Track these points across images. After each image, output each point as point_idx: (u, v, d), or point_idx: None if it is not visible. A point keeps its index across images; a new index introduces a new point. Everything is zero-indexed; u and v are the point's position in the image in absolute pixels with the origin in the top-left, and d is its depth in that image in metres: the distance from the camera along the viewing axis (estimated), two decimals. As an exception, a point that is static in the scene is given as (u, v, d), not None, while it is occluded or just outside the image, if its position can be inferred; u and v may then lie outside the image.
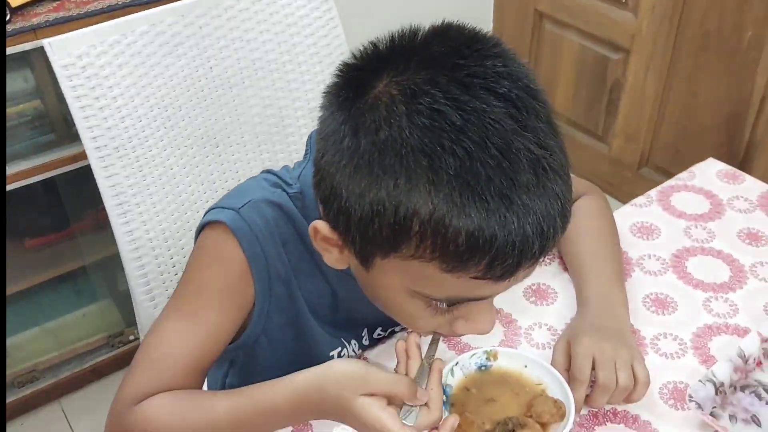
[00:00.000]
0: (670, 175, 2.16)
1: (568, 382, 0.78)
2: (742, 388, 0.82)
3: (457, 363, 0.81)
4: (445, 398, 0.75)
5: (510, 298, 0.94)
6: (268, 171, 0.83)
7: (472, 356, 0.82)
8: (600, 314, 0.86)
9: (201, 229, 0.79)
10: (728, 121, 1.92)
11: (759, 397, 0.81)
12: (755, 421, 0.79)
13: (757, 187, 1.12)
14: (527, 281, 0.96)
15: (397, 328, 0.93)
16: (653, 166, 2.20)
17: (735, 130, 1.92)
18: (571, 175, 1.03)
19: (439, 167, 0.57)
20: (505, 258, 0.59)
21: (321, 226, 0.69)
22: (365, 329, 0.91)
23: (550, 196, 0.60)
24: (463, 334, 0.73)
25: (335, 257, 0.71)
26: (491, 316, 0.71)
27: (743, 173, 1.14)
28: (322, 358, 0.86)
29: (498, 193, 0.58)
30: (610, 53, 2.14)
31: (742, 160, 1.93)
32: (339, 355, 0.88)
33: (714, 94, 1.92)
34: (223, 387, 0.93)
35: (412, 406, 0.69)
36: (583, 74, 2.25)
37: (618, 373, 0.77)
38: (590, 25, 2.15)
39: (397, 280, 0.66)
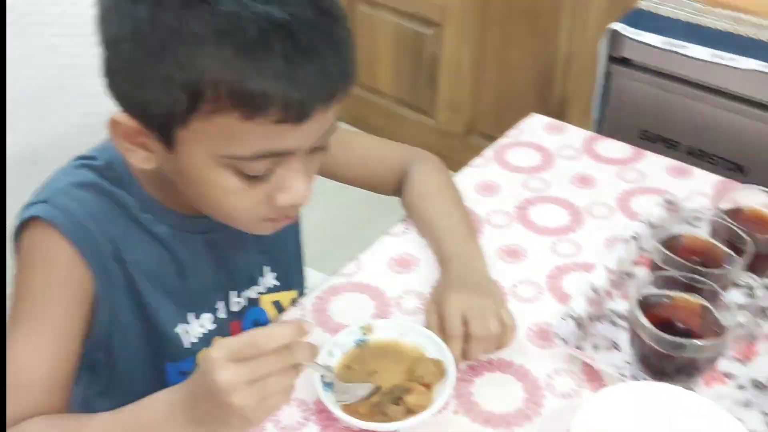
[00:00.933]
0: (493, 140, 2.24)
1: (444, 341, 0.80)
2: (599, 318, 0.88)
3: (334, 343, 0.80)
4: (328, 380, 0.75)
5: (376, 270, 0.95)
6: (76, 157, 0.80)
7: (347, 334, 0.82)
8: (461, 270, 0.88)
9: (18, 233, 0.75)
10: (541, 81, 2.05)
11: (614, 324, 0.88)
12: (615, 346, 0.85)
13: (580, 135, 1.20)
14: (389, 253, 0.97)
15: (258, 290, 0.90)
16: (479, 132, 2.31)
17: (548, 88, 2.05)
18: (405, 145, 1.06)
19: (219, 19, 0.61)
20: (298, 94, 0.63)
21: (120, 117, 0.68)
22: (221, 296, 0.87)
23: (335, 40, 0.65)
24: (285, 211, 0.73)
25: (141, 156, 0.71)
26: (306, 181, 0.72)
27: (565, 124, 1.23)
28: (169, 337, 0.82)
29: (284, 36, 0.61)
30: (425, 29, 2.21)
31: (557, 115, 2.07)
32: (187, 333, 0.84)
33: (524, 57, 2.05)
34: (91, 403, 0.86)
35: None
36: (401, 52, 2.31)
37: (488, 323, 0.80)
38: (402, 2, 2.21)
39: (203, 151, 0.67)
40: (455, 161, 2.40)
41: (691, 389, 0.79)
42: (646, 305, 0.79)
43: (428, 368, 0.78)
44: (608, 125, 1.32)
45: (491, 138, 2.27)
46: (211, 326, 0.86)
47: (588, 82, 1.93)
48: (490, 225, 1.03)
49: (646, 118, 1.27)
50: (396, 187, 1.03)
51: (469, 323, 0.80)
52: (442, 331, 0.81)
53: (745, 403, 0.78)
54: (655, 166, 1.13)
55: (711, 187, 1.08)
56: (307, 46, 0.63)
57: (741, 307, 0.86)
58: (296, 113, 0.64)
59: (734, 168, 1.22)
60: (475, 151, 2.29)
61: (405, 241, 1.00)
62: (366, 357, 0.81)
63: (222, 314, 0.87)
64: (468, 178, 1.12)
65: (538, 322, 0.88)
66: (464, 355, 0.81)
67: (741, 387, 0.80)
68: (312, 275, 1.06)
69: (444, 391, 0.75)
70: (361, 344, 0.82)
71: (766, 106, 1.17)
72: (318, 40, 0.63)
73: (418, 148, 1.07)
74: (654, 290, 0.81)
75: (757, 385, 0.80)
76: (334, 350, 0.80)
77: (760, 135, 1.18)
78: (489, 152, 1.17)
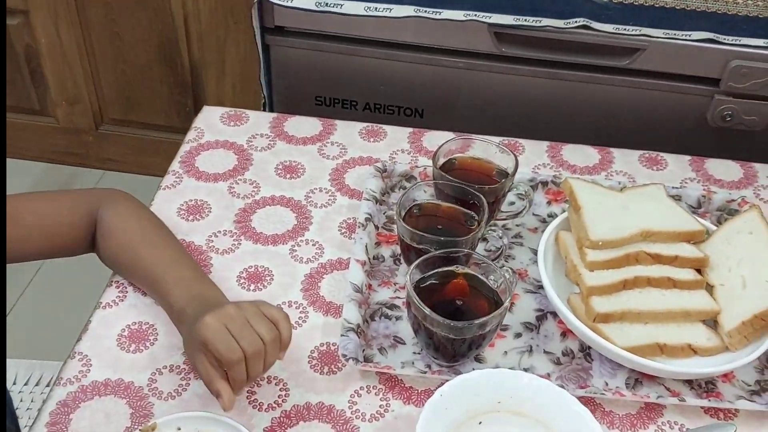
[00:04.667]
0: (130, 123, 2.03)
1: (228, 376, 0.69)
2: (371, 317, 0.84)
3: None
4: None
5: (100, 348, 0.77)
6: None
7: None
8: (200, 307, 0.75)
9: None
10: (165, 52, 1.88)
11: (387, 317, 0.84)
12: (399, 341, 0.81)
13: (264, 119, 1.11)
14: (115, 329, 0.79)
15: None
16: (113, 120, 2.06)
17: (174, 58, 1.89)
18: (81, 191, 0.88)
19: None
20: None
21: None
22: None
23: None
24: None
25: None
26: None
27: (245, 111, 1.12)
28: None
29: None
30: (8, 19, 1.85)
31: (193, 85, 1.94)
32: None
33: (139, 30, 1.84)
34: None
35: None
36: (-13, 50, 1.91)
37: (259, 330, 0.69)
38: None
39: None
40: (98, 158, 2.16)
41: (481, 355, 0.80)
42: (420, 292, 0.76)
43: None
44: (280, 100, 1.25)
45: (129, 123, 2.08)
46: None
47: (215, 43, 1.83)
48: (214, 252, 0.90)
49: (317, 84, 1.23)
50: (89, 242, 0.84)
51: (239, 339, 0.68)
52: (219, 366, 0.69)
53: (528, 350, 0.82)
54: (347, 134, 1.09)
55: (407, 141, 1.09)
56: None
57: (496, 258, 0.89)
58: None
59: (415, 114, 1.25)
60: (116, 140, 2.08)
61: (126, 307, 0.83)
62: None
63: None
64: (167, 203, 0.96)
65: (318, 346, 0.80)
66: (251, 372, 0.70)
67: (517, 335, 0.83)
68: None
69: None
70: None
71: (428, 48, 1.20)
72: None
73: (98, 189, 0.89)
74: (419, 274, 0.78)
75: (530, 327, 0.84)
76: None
77: (429, 77, 1.21)
78: (176, 165, 1.02)
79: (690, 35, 1.14)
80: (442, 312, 0.74)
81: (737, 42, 1.13)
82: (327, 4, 1.11)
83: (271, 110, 1.29)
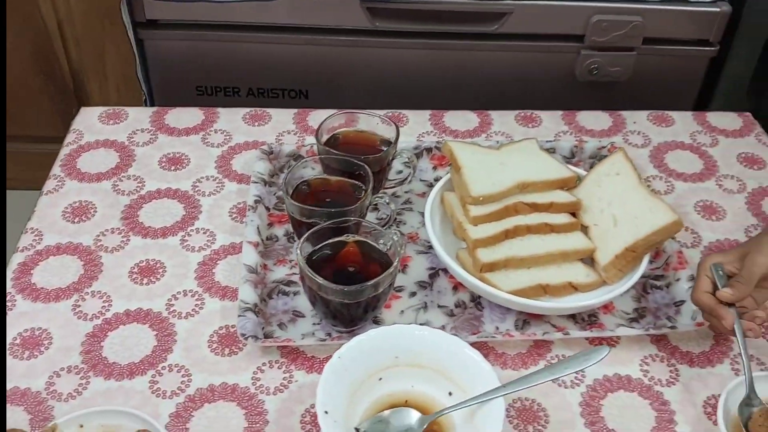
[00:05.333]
0: (16, 138, 1.95)
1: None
2: (269, 296, 0.85)
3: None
4: None
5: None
6: None
7: None
8: None
9: None
10: (41, 60, 1.81)
11: (285, 293, 0.85)
12: (298, 315, 0.83)
13: (145, 114, 1.09)
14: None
15: None
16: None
17: (52, 66, 1.82)
18: None
19: None
20: None
21: None
22: None
23: None
24: None
25: None
26: None
27: (125, 108, 1.10)
28: None
29: None
30: None
31: (76, 91, 1.88)
32: None
33: (9, 40, 1.77)
34: None
35: None
36: None
37: None
38: None
39: None
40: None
41: (378, 317, 0.83)
42: (313, 264, 0.78)
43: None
44: (161, 94, 1.23)
45: (14, 139, 1.99)
46: None
47: (93, 46, 1.78)
48: (104, 251, 0.89)
49: (197, 74, 1.22)
50: None
51: None
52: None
53: (423, 307, 0.85)
54: (230, 120, 1.10)
55: (292, 122, 1.10)
56: None
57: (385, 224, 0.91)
58: None
59: (300, 96, 1.26)
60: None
61: None
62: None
63: None
64: (51, 208, 0.94)
65: (216, 330, 0.81)
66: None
67: (412, 294, 0.86)
68: None
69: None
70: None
71: (305, 28, 1.21)
72: None
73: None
74: (311, 247, 0.80)
75: (423, 285, 0.87)
76: None
77: (310, 57, 1.23)
78: (57, 169, 0.99)
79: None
80: (336, 280, 0.76)
81: (596, -3, 1.20)
82: (197, -7, 1.11)
83: (152, 105, 1.27)
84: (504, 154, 0.95)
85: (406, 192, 0.99)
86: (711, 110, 1.19)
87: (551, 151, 1.02)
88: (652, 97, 1.28)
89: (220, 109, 1.11)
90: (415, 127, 1.11)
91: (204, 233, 0.92)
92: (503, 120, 1.13)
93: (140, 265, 0.88)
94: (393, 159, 0.96)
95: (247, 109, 1.12)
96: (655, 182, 1.04)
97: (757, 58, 1.29)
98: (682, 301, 0.84)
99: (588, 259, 0.88)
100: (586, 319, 0.84)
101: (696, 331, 0.81)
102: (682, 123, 1.15)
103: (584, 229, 0.90)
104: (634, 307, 0.86)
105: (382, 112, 1.11)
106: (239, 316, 0.79)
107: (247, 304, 0.80)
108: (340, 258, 0.81)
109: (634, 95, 1.28)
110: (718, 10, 1.22)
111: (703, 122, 1.16)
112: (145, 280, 0.86)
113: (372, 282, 0.75)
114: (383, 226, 0.91)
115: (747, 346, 0.74)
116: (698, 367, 0.80)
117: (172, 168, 1.01)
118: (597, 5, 1.19)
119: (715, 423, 0.74)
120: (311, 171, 0.92)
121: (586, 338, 0.81)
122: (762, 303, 0.76)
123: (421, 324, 0.82)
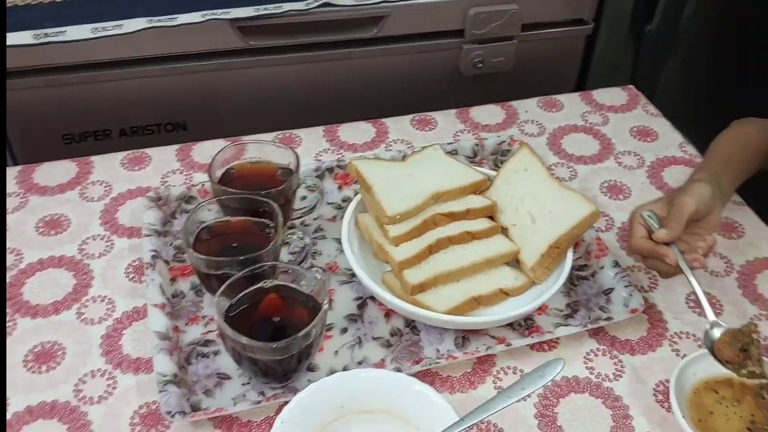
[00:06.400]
0: None
1: None
2: (187, 361, 0.77)
3: None
4: None
5: None
6: None
7: None
8: None
9: None
10: None
11: (204, 355, 0.78)
12: (223, 376, 0.76)
13: None
14: None
15: None
16: None
17: None
18: None
19: None
20: None
21: None
22: None
23: None
24: None
25: None
26: None
27: None
28: None
29: None
30: None
31: None
32: None
33: None
34: None
35: None
36: None
37: None
38: None
39: None
40: None
41: (312, 363, 0.77)
42: (233, 321, 0.71)
43: None
44: (24, 149, 1.10)
45: None
46: None
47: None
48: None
49: (61, 121, 1.10)
50: None
51: None
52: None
53: (357, 342, 0.80)
54: (107, 168, 1.00)
55: (175, 159, 1.01)
56: None
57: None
58: None
59: (178, 128, 1.17)
60: None
61: None
62: None
63: None
64: None
65: (137, 410, 0.73)
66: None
67: (343, 330, 0.81)
68: None
69: None
70: None
71: (173, 57, 1.12)
72: None
73: None
74: (227, 301, 0.73)
75: (353, 319, 0.82)
76: None
77: (183, 86, 1.14)
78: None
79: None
80: (261, 334, 0.69)
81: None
82: (47, 35, 1.00)
83: (16, 164, 1.14)
84: (411, 165, 0.92)
85: (315, 219, 0.94)
86: (591, 89, 1.21)
87: (453, 153, 1.00)
88: (538, 82, 1.29)
89: (93, 158, 1.01)
90: (310, 146, 1.06)
91: (102, 301, 0.82)
92: (399, 126, 1.10)
93: (34, 351, 0.77)
94: (298, 188, 0.90)
95: (124, 153, 1.02)
96: (558, 169, 1.04)
97: (627, 31, 1.33)
98: (611, 289, 0.84)
99: (514, 261, 0.86)
100: (524, 324, 0.82)
101: (630, 318, 0.81)
102: (571, 105, 1.16)
103: (504, 231, 0.88)
104: (566, 302, 0.85)
105: (272, 135, 1.05)
106: (160, 391, 0.71)
107: (166, 376, 0.72)
108: (262, 309, 0.75)
109: (520, 83, 1.28)
110: (585, -10, 1.24)
111: (590, 101, 1.17)
112: (44, 367, 0.76)
113: (302, 333, 0.69)
114: (299, 263, 0.85)
115: (695, 276, 0.76)
116: (640, 354, 0.79)
117: (52, 232, 0.90)
118: (473, -2, 1.18)
119: (668, 410, 0.73)
120: (209, 213, 0.84)
121: (528, 345, 0.79)
122: (695, 246, 0.78)
123: (358, 362, 0.77)
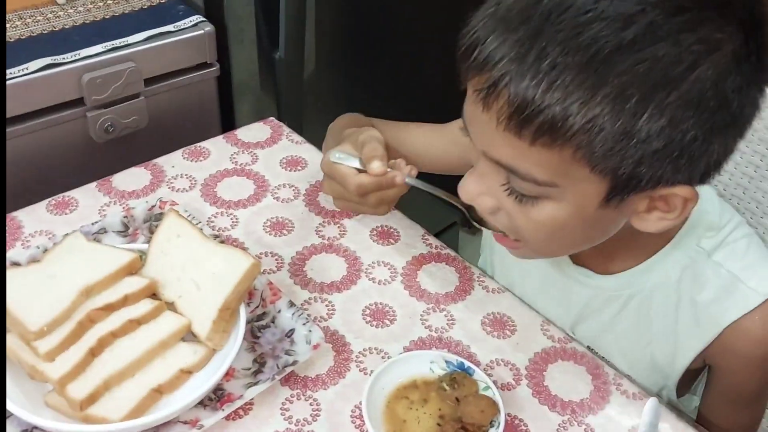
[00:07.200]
0: None
1: None
2: None
3: None
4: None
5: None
6: None
7: None
8: None
9: None
10: None
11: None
12: None
13: None
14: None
15: None
16: None
17: None
18: None
19: None
20: None
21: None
22: None
23: None
24: None
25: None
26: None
27: None
28: None
29: None
30: None
31: None
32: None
33: None
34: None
35: None
36: None
37: None
38: None
39: None
40: None
41: None
42: None
43: None
44: None
45: None
46: None
47: None
48: None
49: None
50: None
51: None
52: None
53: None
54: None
55: None
56: None
57: None
58: None
59: None
60: None
61: None
62: None
63: None
64: None
65: None
66: None
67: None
68: None
69: None
70: None
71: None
72: None
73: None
74: None
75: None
76: None
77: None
78: None
79: (28, 67, 1.07)
80: None
81: (77, 57, 1.11)
82: None
83: None
84: (50, 263, 0.83)
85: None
86: (240, 126, 1.21)
87: (102, 232, 0.92)
88: (181, 132, 1.25)
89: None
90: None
91: None
92: (33, 218, 0.99)
93: None
94: None
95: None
96: (218, 220, 1.02)
97: (257, 64, 1.35)
98: (293, 330, 0.84)
99: (190, 335, 0.82)
100: (213, 397, 0.79)
101: (316, 353, 0.82)
102: (218, 150, 1.14)
103: (171, 306, 0.83)
104: (252, 358, 0.83)
105: None
106: None
107: None
108: None
109: (162, 138, 1.23)
110: (202, 31, 1.23)
111: (236, 141, 1.16)
112: None
113: None
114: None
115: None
116: (333, 386, 0.81)
117: None
118: (82, 64, 1.10)
119: (367, 434, 0.76)
120: None
121: (225, 419, 0.76)
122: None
123: None
